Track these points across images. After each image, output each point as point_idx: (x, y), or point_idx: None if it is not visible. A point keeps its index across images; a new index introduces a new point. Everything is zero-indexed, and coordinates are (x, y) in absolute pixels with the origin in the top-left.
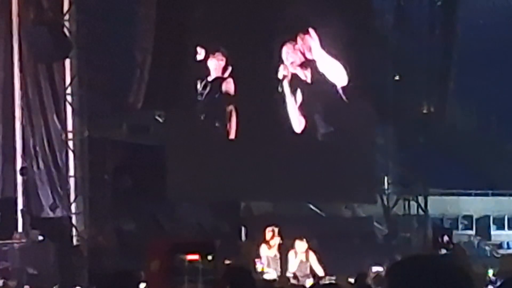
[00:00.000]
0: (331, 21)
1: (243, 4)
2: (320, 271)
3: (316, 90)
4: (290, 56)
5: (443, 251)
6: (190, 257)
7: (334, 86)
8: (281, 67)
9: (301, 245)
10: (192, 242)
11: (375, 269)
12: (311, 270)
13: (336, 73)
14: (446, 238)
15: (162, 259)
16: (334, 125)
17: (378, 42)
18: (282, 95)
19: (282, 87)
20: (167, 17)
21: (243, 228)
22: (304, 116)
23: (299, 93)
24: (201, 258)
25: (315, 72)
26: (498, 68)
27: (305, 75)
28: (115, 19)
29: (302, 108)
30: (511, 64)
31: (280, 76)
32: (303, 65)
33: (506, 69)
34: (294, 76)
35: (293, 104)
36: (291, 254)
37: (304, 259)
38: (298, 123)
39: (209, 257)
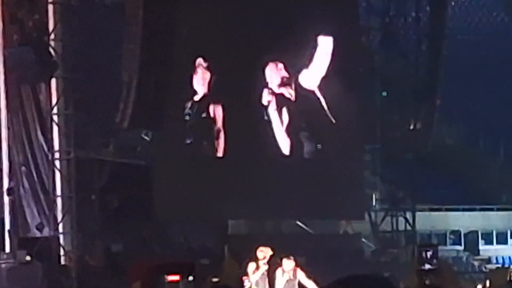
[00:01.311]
0: (318, 40)
1: (228, 23)
2: (311, 285)
3: (301, 108)
4: (274, 77)
5: (427, 266)
6: (171, 277)
7: (319, 101)
8: (265, 92)
9: (288, 264)
10: (173, 263)
11: None
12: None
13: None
14: (430, 253)
15: (144, 280)
16: (321, 142)
17: (365, 59)
18: (268, 121)
19: (268, 114)
20: (153, 37)
21: (229, 247)
22: (291, 136)
23: (285, 113)
24: (181, 278)
25: (299, 88)
26: (484, 84)
27: (290, 93)
28: (101, 39)
29: (289, 128)
30: (498, 79)
31: (264, 101)
32: (287, 84)
33: (492, 84)
34: (279, 97)
35: (279, 127)
36: (278, 272)
37: (291, 277)
38: (285, 144)
39: (190, 278)
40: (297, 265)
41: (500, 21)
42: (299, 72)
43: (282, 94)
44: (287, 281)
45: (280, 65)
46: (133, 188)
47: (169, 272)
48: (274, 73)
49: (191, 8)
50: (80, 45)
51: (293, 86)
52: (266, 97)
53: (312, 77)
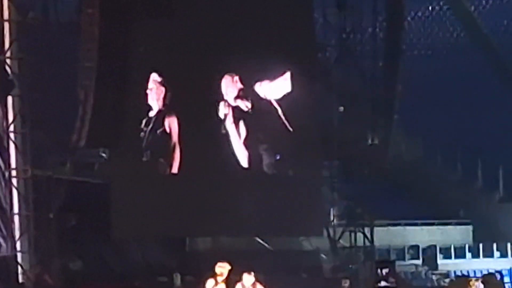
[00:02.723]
0: (274, 56)
1: (183, 37)
2: None
3: (258, 120)
4: (229, 90)
5: (383, 284)
6: None
7: (276, 111)
8: (222, 104)
9: (248, 279)
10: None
11: None
12: None
13: (277, 86)
14: (386, 271)
15: None
16: (279, 155)
17: (321, 75)
18: (226, 134)
19: (225, 127)
20: (109, 54)
21: (187, 264)
22: (249, 149)
23: (242, 125)
24: None
25: (256, 99)
26: (442, 99)
27: (246, 105)
28: (57, 57)
29: (247, 140)
30: (455, 95)
31: (221, 114)
32: (243, 96)
33: (450, 100)
34: (236, 110)
35: (237, 140)
36: (238, 287)
37: None
38: (244, 157)
39: None
40: (256, 280)
41: (456, 36)
42: (255, 83)
43: (238, 107)
44: None
45: (236, 78)
46: (91, 206)
47: None
48: (230, 86)
49: (147, 25)
50: (36, 63)
51: (249, 98)
52: (222, 110)
53: (271, 88)
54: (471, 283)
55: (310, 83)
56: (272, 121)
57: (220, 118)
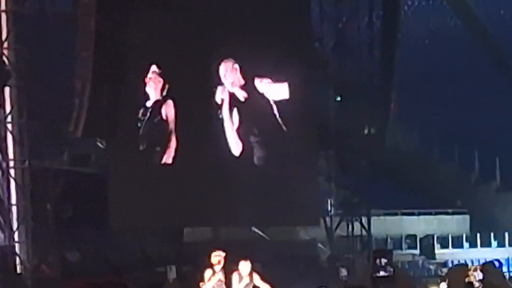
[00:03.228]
0: (271, 45)
1: (181, 26)
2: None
3: (253, 111)
4: (228, 75)
5: (382, 273)
6: None
7: (271, 106)
8: (219, 89)
9: (245, 266)
10: (104, 282)
11: None
12: None
13: (276, 89)
14: (384, 260)
15: None
16: (273, 148)
17: (318, 65)
18: (221, 119)
19: (221, 113)
20: (105, 45)
21: (184, 254)
22: (242, 139)
23: (236, 114)
24: None
25: (254, 91)
26: (439, 89)
27: (243, 95)
28: (54, 47)
29: (239, 130)
30: (452, 85)
31: (218, 100)
32: (240, 85)
33: (447, 90)
34: (232, 96)
35: (231, 128)
36: (234, 276)
37: (248, 282)
38: (236, 146)
39: None
40: (253, 268)
41: (453, 26)
42: (255, 76)
43: (234, 95)
44: (246, 285)
45: (236, 65)
46: (88, 197)
47: None
48: (229, 71)
49: (144, 14)
50: (33, 53)
51: (246, 88)
52: (219, 95)
53: (270, 88)
54: (469, 272)
55: (306, 73)
56: (266, 117)
57: (217, 103)
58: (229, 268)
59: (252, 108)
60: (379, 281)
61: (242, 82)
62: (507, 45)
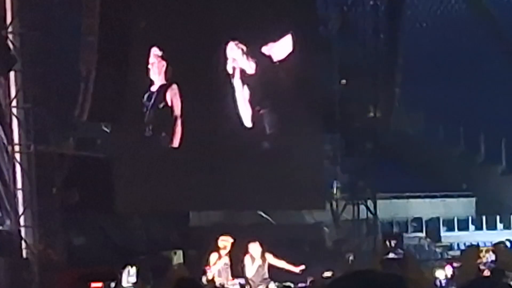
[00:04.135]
0: (276, 28)
1: (186, 9)
2: (283, 264)
3: (262, 84)
4: (235, 52)
5: (392, 255)
6: (94, 285)
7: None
8: (229, 61)
9: (255, 248)
10: (96, 270)
11: (326, 274)
12: (269, 274)
13: (280, 48)
14: (394, 242)
15: None
16: (281, 132)
17: (323, 48)
18: (232, 90)
19: (232, 86)
20: (110, 29)
21: (190, 238)
22: (253, 109)
23: (246, 89)
24: (104, 285)
25: (261, 63)
26: (444, 72)
27: (251, 66)
28: (59, 32)
29: (250, 102)
30: (457, 68)
31: (229, 69)
32: (248, 57)
33: (452, 72)
34: (242, 71)
35: (243, 98)
36: (247, 259)
37: (261, 263)
38: (248, 117)
39: (112, 284)
40: (263, 249)
41: (458, 9)
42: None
43: (244, 70)
44: (259, 266)
45: (242, 46)
46: (94, 181)
47: (92, 280)
48: (235, 50)
49: None
50: (38, 38)
51: (254, 60)
52: (230, 65)
53: (274, 48)
54: (481, 254)
55: (311, 56)
56: (276, 86)
57: (228, 73)
58: (235, 252)
59: (261, 79)
60: (388, 263)
61: (249, 55)
62: None
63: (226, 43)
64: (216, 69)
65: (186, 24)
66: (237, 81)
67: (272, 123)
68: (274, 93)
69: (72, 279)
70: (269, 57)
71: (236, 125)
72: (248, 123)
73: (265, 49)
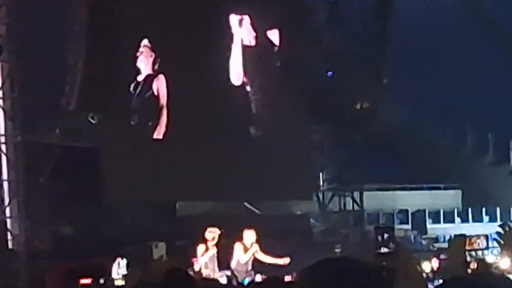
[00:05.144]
0: (263, 19)
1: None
2: (268, 259)
3: (258, 63)
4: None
5: (384, 249)
6: (83, 281)
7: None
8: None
9: (250, 235)
10: (85, 266)
11: None
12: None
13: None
14: (386, 236)
15: (59, 286)
16: (268, 123)
17: (311, 39)
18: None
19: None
20: (98, 18)
21: (178, 229)
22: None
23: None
24: (93, 281)
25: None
26: (432, 63)
27: (250, 41)
28: (46, 22)
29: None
30: (445, 59)
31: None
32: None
33: (440, 64)
34: (242, 40)
35: (239, 58)
36: (238, 247)
37: (257, 249)
38: (237, 76)
39: (101, 281)
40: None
41: None
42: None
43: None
44: (255, 252)
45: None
46: (80, 171)
47: (81, 276)
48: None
49: None
50: (25, 28)
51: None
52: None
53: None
54: (473, 239)
55: (298, 47)
56: (268, 69)
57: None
58: (222, 244)
59: (258, 51)
60: (381, 257)
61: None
62: (502, 18)
63: (229, 13)
64: (213, 42)
65: (177, 15)
66: (236, 47)
67: (258, 103)
68: (265, 76)
69: (61, 275)
70: (271, 41)
71: (224, 108)
72: (235, 81)
73: (270, 33)
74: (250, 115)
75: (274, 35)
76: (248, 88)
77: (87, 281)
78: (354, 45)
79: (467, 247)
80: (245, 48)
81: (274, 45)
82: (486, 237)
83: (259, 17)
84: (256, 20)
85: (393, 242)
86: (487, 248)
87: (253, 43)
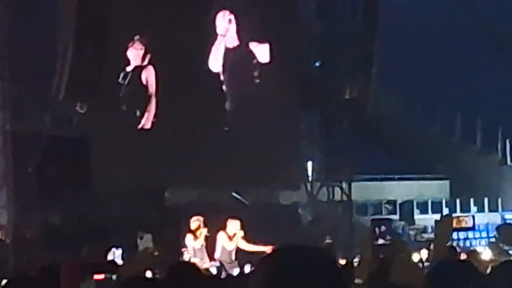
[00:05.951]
0: (254, 9)
1: None
2: (253, 248)
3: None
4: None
5: (381, 241)
6: (96, 277)
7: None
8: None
9: (235, 225)
10: (99, 262)
11: None
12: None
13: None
14: (383, 228)
15: (71, 282)
16: (256, 113)
17: (300, 28)
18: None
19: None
20: (88, 7)
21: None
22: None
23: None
24: (105, 278)
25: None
26: (421, 52)
27: (231, 42)
28: (36, 11)
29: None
30: (434, 48)
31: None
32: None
33: (430, 53)
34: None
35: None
36: (221, 236)
37: (235, 246)
38: (215, 64)
39: (114, 277)
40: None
41: None
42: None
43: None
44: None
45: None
46: (70, 160)
47: (95, 272)
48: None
49: None
50: (14, 17)
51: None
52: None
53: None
54: (461, 218)
55: (288, 37)
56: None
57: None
58: (210, 234)
59: (239, 55)
60: (378, 249)
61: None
62: (491, 8)
63: (217, 11)
64: (200, 37)
65: (167, 8)
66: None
67: (246, 93)
68: (254, 66)
69: (77, 270)
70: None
71: (212, 98)
72: (214, 68)
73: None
74: (238, 105)
75: (262, 26)
76: (236, 78)
77: (100, 276)
78: (343, 34)
79: (455, 225)
80: (233, 39)
81: (263, 36)
82: (473, 217)
83: (247, 10)
84: (244, 13)
85: (390, 234)
86: (473, 228)
87: (242, 34)
